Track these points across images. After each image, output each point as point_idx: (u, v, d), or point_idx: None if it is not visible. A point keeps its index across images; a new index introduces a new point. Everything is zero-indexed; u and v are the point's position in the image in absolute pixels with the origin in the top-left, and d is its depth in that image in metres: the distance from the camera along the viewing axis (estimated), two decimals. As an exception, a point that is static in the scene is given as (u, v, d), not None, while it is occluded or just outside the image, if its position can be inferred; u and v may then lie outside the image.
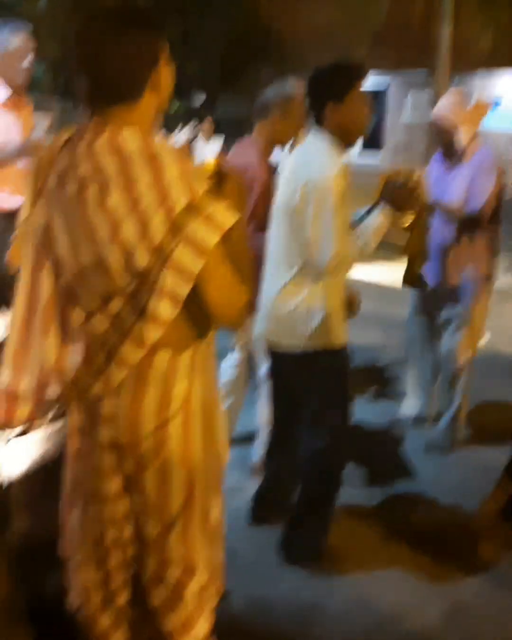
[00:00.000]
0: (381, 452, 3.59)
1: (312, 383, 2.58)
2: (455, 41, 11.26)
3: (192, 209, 1.50)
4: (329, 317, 2.47)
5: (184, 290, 1.53)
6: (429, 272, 3.40)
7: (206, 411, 1.75)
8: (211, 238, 1.50)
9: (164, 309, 1.54)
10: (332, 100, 2.41)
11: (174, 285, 1.53)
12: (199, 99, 15.83)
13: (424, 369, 3.75)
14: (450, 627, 2.39)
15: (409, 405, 3.84)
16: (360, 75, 2.46)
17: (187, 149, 4.75)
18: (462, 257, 3.38)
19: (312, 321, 2.47)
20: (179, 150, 1.66)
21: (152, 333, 1.56)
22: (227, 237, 1.53)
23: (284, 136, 3.11)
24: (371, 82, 16.21)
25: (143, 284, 1.54)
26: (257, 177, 3.00)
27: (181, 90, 15.98)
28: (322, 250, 2.36)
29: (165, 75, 1.63)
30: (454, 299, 3.47)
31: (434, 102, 11.78)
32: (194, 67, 14.71)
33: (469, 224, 3.32)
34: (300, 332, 2.49)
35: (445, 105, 3.31)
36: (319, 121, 2.46)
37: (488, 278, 3.46)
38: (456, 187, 3.32)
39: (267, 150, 3.12)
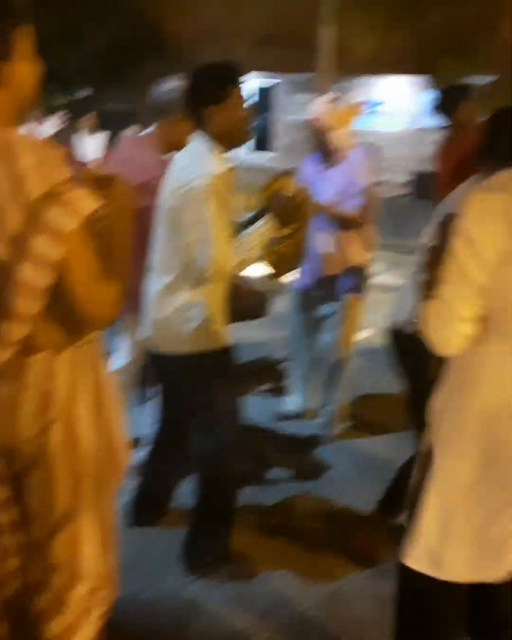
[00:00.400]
0: (265, 448, 3.62)
1: (196, 386, 2.55)
2: (338, 45, 11.54)
3: (49, 196, 1.45)
4: (209, 320, 2.46)
5: (44, 282, 1.47)
6: (306, 271, 3.47)
7: (99, 413, 1.70)
8: (69, 224, 1.46)
9: (25, 304, 1.48)
10: (211, 103, 2.37)
11: (33, 278, 1.46)
12: (83, 93, 15.51)
13: (305, 365, 3.82)
14: (327, 614, 2.44)
15: (292, 401, 3.91)
16: (238, 77, 2.43)
17: (54, 139, 4.58)
18: (338, 256, 3.46)
19: (191, 324, 2.44)
20: (38, 140, 1.60)
21: (16, 331, 1.50)
22: (92, 227, 1.48)
23: (185, 137, 3.02)
24: (260, 82, 16.43)
25: (2, 279, 1.48)
26: (154, 178, 2.96)
27: (65, 84, 15.64)
28: (200, 256, 2.33)
29: (22, 69, 1.57)
30: (331, 297, 3.55)
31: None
32: (77, 61, 14.44)
33: (345, 223, 3.40)
34: (179, 335, 2.46)
35: (317, 108, 3.38)
36: (200, 125, 2.42)
37: (364, 275, 3.56)
38: (331, 187, 3.39)
39: (166, 151, 3.06)
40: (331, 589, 2.58)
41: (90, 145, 9.34)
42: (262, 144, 17.59)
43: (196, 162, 2.36)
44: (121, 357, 3.28)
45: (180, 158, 2.47)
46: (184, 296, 2.43)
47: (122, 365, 3.26)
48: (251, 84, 16.50)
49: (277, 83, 15.96)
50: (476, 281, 1.59)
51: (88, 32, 14.09)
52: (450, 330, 1.64)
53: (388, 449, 3.45)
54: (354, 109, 3.33)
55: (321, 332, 3.68)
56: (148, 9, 14.48)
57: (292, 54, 13.68)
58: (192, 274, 2.39)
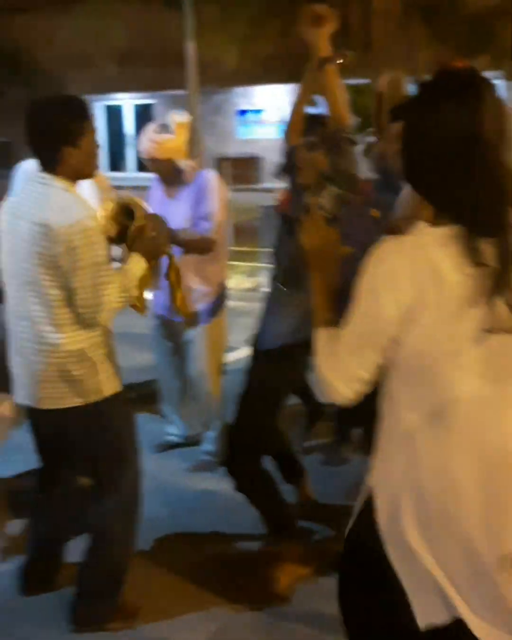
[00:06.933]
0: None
1: (82, 441, 2.41)
2: (205, 59, 11.50)
3: None
4: (93, 366, 2.32)
5: None
6: (159, 301, 3.35)
7: None
8: None
9: None
10: (67, 145, 2.24)
11: None
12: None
13: (175, 392, 3.73)
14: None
15: (171, 430, 3.83)
16: (89, 113, 2.32)
17: None
18: (192, 282, 3.33)
19: (79, 375, 2.31)
20: None
21: None
22: None
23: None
24: (136, 99, 16.28)
25: None
26: None
27: None
28: (87, 302, 2.21)
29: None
30: (190, 323, 3.44)
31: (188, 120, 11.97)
32: None
33: (196, 248, 3.27)
34: (59, 387, 2.32)
35: (145, 142, 3.26)
36: (50, 165, 2.27)
37: (222, 297, 3.48)
38: (180, 212, 3.29)
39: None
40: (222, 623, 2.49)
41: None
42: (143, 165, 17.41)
43: (61, 205, 2.22)
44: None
45: (29, 200, 2.29)
46: (61, 345, 2.28)
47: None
48: (126, 103, 16.35)
49: (154, 101, 15.85)
50: (379, 339, 1.46)
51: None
52: (347, 389, 1.52)
53: (274, 469, 3.37)
54: (181, 131, 3.22)
55: (187, 357, 3.57)
56: (11, 38, 14.12)
57: (162, 71, 13.60)
58: (83, 322, 2.27)
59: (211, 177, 3.34)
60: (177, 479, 3.53)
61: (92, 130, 2.32)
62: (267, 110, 16.45)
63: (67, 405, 2.34)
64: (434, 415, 1.45)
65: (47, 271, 2.22)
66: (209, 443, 3.62)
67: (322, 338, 1.55)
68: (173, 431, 3.82)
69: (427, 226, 1.44)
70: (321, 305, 1.61)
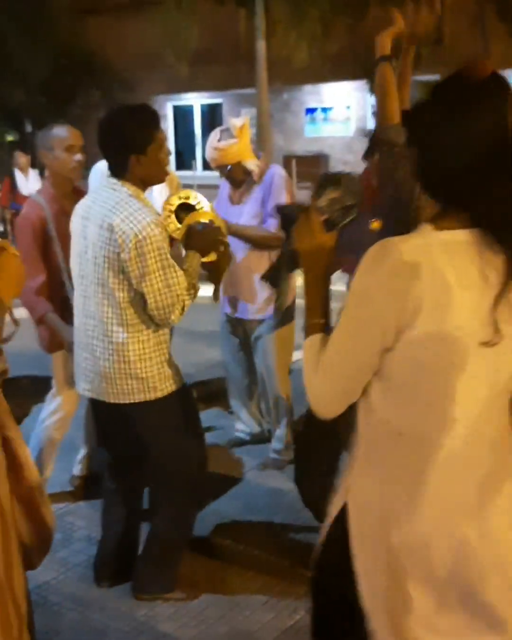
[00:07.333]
0: (219, 474, 3.51)
1: (145, 435, 2.51)
2: (275, 57, 11.50)
3: None
4: (154, 366, 2.41)
5: None
6: (227, 298, 3.38)
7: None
8: None
9: None
10: (134, 153, 2.32)
11: None
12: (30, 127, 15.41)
13: (243, 390, 3.75)
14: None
15: (239, 427, 3.84)
16: (158, 121, 2.39)
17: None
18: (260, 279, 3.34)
19: (138, 371, 2.40)
20: None
21: None
22: None
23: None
24: (204, 99, 16.42)
25: None
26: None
27: (14, 120, 15.50)
28: (160, 304, 2.29)
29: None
30: (259, 320, 3.45)
31: (255, 118, 11.99)
32: (20, 95, 14.31)
33: (266, 243, 3.29)
34: (125, 384, 2.41)
35: (210, 151, 3.28)
36: (119, 172, 2.36)
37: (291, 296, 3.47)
38: (250, 211, 3.31)
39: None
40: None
41: (29, 187, 9.21)
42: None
43: (128, 211, 2.28)
44: (54, 400, 3.18)
45: (99, 206, 2.36)
46: (134, 344, 2.38)
47: (54, 408, 3.16)
48: (195, 103, 16.49)
49: (222, 100, 15.94)
50: (371, 348, 1.36)
51: (28, 64, 13.93)
52: (335, 404, 1.45)
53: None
54: (242, 134, 3.23)
55: (255, 354, 3.57)
56: (82, 36, 14.40)
57: (232, 70, 13.67)
58: (157, 322, 2.36)
59: (279, 173, 3.35)
60: (246, 476, 3.55)
61: (160, 139, 2.38)
62: (335, 108, 16.35)
63: (132, 401, 2.43)
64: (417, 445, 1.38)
65: (115, 274, 2.31)
66: (278, 441, 3.62)
67: (312, 346, 1.48)
68: (242, 428, 3.84)
69: (432, 229, 1.35)
70: (312, 308, 1.53)
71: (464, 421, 1.36)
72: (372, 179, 2.66)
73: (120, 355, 2.39)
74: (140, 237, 2.24)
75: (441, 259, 1.30)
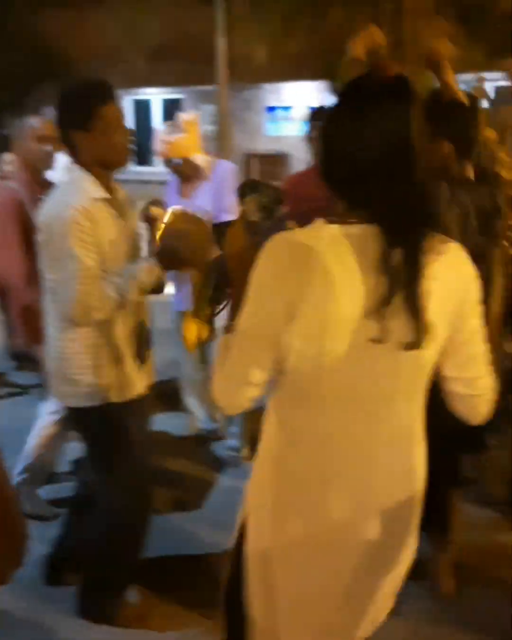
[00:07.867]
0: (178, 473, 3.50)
1: (87, 439, 2.38)
2: (236, 55, 11.49)
3: None
4: (88, 370, 2.22)
5: None
6: (180, 294, 3.37)
7: None
8: None
9: None
10: (75, 128, 2.14)
11: None
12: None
13: (196, 386, 3.74)
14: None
15: (196, 422, 3.86)
16: (104, 98, 2.16)
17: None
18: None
19: (70, 375, 2.23)
20: None
21: None
22: None
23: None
24: (164, 94, 16.32)
25: None
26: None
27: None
28: (62, 296, 2.10)
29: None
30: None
31: (216, 115, 11.97)
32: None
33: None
34: (63, 386, 2.28)
35: (158, 144, 3.28)
36: (70, 152, 2.20)
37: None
38: (201, 207, 3.27)
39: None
40: None
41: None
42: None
43: (61, 196, 2.17)
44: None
45: (54, 191, 2.26)
46: (65, 341, 2.21)
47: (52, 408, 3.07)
48: (155, 98, 16.38)
49: (182, 96, 15.86)
50: (269, 335, 1.36)
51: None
52: (239, 397, 1.43)
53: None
54: (190, 128, 3.24)
55: (208, 351, 3.55)
56: (43, 32, 14.21)
57: (192, 67, 13.61)
58: (62, 317, 2.17)
59: (229, 169, 3.37)
60: (202, 474, 3.54)
61: (109, 116, 2.15)
62: (295, 107, 16.41)
63: (71, 405, 2.31)
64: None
65: (43, 262, 2.18)
66: (233, 438, 3.62)
67: (221, 344, 1.47)
68: (197, 426, 3.82)
69: (325, 224, 1.36)
70: (237, 309, 1.49)
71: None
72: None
73: (55, 352, 2.26)
74: (54, 219, 2.08)
75: (330, 252, 1.32)
